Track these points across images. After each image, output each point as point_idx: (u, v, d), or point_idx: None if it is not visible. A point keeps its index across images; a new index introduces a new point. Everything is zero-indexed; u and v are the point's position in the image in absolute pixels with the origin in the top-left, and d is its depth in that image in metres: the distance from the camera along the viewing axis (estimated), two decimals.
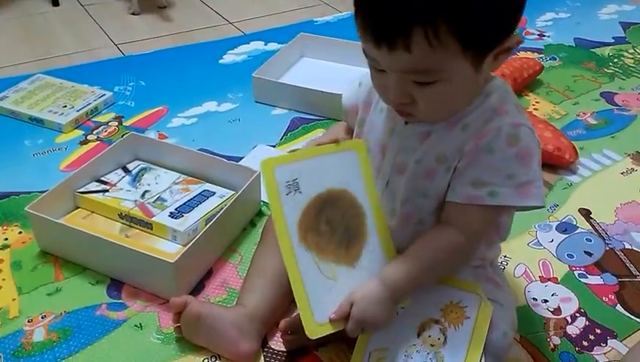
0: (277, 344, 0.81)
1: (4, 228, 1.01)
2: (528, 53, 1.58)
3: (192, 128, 1.29)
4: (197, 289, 0.90)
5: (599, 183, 1.14)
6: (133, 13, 1.84)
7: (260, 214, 1.04)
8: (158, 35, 1.73)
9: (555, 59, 1.56)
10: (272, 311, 0.81)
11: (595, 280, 0.93)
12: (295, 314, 0.80)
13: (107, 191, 1.02)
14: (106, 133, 1.27)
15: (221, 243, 0.96)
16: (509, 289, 0.79)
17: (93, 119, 1.31)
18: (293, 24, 1.76)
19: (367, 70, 0.65)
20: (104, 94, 1.36)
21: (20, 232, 1.00)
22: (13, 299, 0.88)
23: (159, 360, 0.79)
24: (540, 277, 0.93)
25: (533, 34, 1.69)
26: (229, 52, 1.60)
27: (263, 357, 0.80)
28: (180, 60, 1.56)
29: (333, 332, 0.66)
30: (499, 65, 0.63)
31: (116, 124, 1.30)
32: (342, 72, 1.44)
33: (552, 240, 1.00)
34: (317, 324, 0.66)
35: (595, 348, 0.82)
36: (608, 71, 1.51)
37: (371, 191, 0.72)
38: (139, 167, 1.09)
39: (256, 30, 1.74)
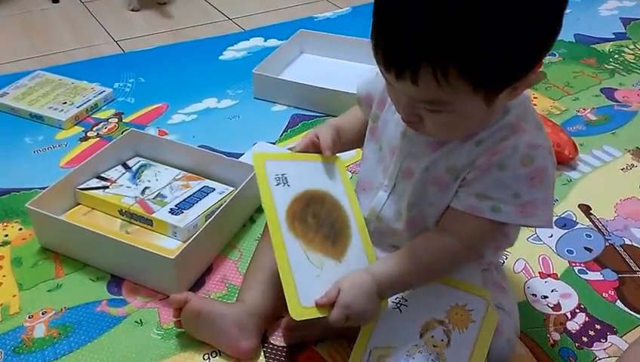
0: (277, 340, 0.82)
1: (5, 224, 1.02)
2: None
3: (192, 125, 1.29)
4: (197, 285, 0.90)
5: (599, 179, 1.13)
6: (132, 10, 1.84)
7: (259, 210, 1.04)
8: (157, 31, 1.73)
9: (555, 55, 1.56)
10: (272, 308, 0.81)
11: (594, 276, 0.93)
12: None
13: (107, 187, 1.02)
14: (106, 129, 1.27)
15: (221, 239, 0.96)
16: (513, 293, 0.79)
17: (93, 116, 1.31)
18: (293, 20, 1.76)
19: (372, 65, 0.64)
20: (104, 91, 1.36)
21: (21, 229, 1.00)
22: (14, 296, 0.88)
23: (160, 355, 0.80)
24: (539, 273, 0.93)
25: None
26: (228, 48, 1.60)
27: (262, 353, 0.80)
28: (180, 57, 1.56)
29: (317, 317, 0.66)
30: (517, 95, 0.61)
31: (116, 120, 1.30)
32: (342, 69, 1.44)
33: (552, 236, 1.00)
34: (302, 307, 0.65)
35: (594, 344, 0.82)
36: (609, 67, 1.51)
37: (352, 197, 0.77)
38: (139, 164, 1.09)
39: (256, 26, 1.73)
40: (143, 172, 1.07)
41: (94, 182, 1.03)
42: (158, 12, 1.84)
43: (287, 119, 1.30)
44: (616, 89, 1.42)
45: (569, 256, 0.96)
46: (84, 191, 1.00)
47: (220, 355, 0.79)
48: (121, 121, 1.30)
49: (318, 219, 0.72)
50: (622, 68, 1.51)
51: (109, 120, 1.30)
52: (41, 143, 1.22)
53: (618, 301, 0.88)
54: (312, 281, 0.67)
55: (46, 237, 0.95)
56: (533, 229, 1.00)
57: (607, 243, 0.99)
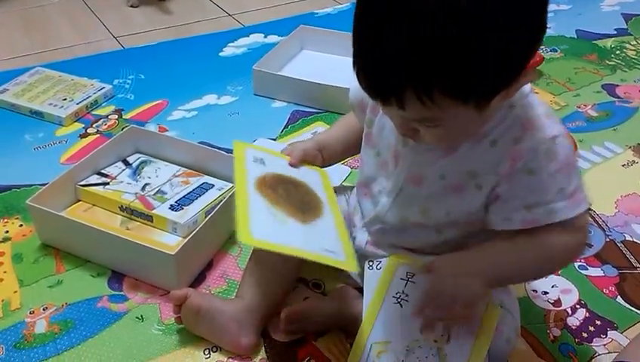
0: (276, 335, 0.81)
1: (5, 221, 1.02)
2: None
3: (192, 121, 1.28)
4: (198, 281, 0.90)
5: (599, 175, 1.13)
6: (132, 6, 1.83)
7: None
8: (157, 27, 1.72)
9: (556, 50, 1.55)
10: (271, 304, 0.81)
11: (595, 271, 0.93)
12: (296, 304, 0.81)
13: (108, 184, 1.02)
14: (106, 126, 1.27)
15: (221, 235, 0.96)
16: (514, 291, 0.78)
17: (93, 112, 1.31)
18: (293, 16, 1.75)
19: None
20: (104, 87, 1.36)
21: (21, 225, 1.00)
22: (15, 292, 0.89)
23: (161, 351, 0.80)
24: None
25: None
26: (228, 45, 1.59)
27: (263, 349, 0.80)
28: (180, 53, 1.56)
29: (267, 249, 0.63)
30: (511, 97, 0.60)
31: (116, 117, 1.30)
32: (342, 65, 1.42)
33: None
34: (251, 235, 0.63)
35: (594, 340, 0.82)
36: (610, 63, 1.50)
37: (332, 197, 0.76)
38: (139, 160, 1.09)
39: (255, 22, 1.73)
40: (143, 168, 1.07)
41: (95, 179, 1.03)
42: (158, 8, 1.84)
43: (287, 116, 1.30)
44: (618, 85, 1.41)
45: None
46: (85, 188, 1.00)
47: (221, 351, 0.79)
48: (121, 117, 1.30)
49: (288, 193, 0.69)
50: (623, 64, 1.50)
51: (109, 116, 1.30)
52: (41, 140, 1.22)
53: (618, 297, 0.88)
54: (269, 221, 0.65)
55: (47, 234, 0.95)
56: None
57: (608, 239, 0.99)
